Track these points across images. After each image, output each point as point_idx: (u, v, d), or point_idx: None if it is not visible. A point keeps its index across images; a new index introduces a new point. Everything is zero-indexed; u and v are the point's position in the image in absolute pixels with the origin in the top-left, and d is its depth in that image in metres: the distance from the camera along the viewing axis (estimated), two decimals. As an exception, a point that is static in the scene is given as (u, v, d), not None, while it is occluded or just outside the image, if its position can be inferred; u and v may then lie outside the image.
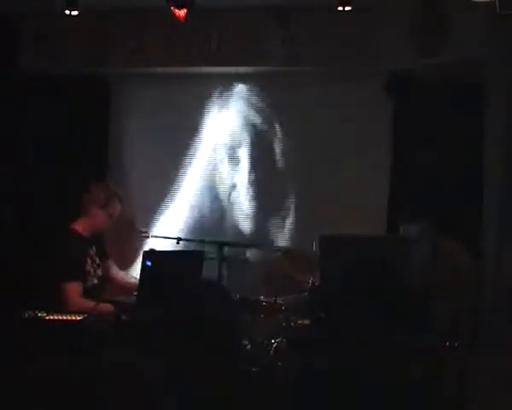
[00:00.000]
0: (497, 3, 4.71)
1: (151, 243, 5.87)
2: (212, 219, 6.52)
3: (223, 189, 6.55)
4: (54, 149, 6.53)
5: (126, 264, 6.09)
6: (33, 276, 5.36)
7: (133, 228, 6.37)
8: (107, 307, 4.70)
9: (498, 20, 5.23)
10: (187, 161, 6.56)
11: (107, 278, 5.27)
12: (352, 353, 2.98)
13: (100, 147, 6.62)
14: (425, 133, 6.01)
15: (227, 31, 6.20)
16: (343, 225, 6.22)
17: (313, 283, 4.77)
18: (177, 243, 5.50)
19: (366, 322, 2.99)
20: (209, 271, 5.00)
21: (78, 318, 4.50)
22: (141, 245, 6.14)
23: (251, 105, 6.52)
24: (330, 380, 2.93)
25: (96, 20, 6.24)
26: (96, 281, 5.11)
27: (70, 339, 4.36)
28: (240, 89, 6.52)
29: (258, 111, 6.51)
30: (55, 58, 6.44)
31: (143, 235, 5.56)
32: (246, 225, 6.42)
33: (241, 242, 5.89)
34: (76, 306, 4.76)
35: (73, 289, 4.86)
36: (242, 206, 6.49)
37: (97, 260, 5.17)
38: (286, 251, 5.19)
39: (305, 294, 4.90)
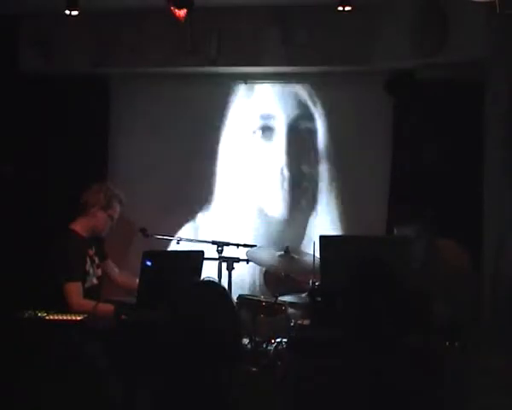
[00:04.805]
0: (497, 3, 4.71)
1: (151, 243, 5.87)
2: (212, 220, 6.54)
3: (222, 188, 6.57)
4: (54, 149, 6.53)
5: (126, 264, 6.10)
6: (33, 276, 5.36)
7: (133, 228, 6.37)
8: (107, 307, 4.70)
9: (498, 20, 5.23)
10: (187, 160, 6.57)
11: (106, 279, 5.27)
12: (352, 353, 2.98)
13: (100, 147, 6.62)
14: (425, 133, 6.01)
15: (227, 31, 6.20)
16: (343, 225, 6.23)
17: (313, 283, 4.77)
18: (177, 243, 5.50)
19: (366, 322, 2.99)
20: (209, 271, 5.00)
21: (78, 318, 4.50)
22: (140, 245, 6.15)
23: (251, 105, 6.52)
24: (330, 380, 2.93)
25: (96, 20, 6.24)
26: (95, 281, 5.11)
27: (70, 339, 4.35)
28: (240, 89, 6.53)
29: (258, 111, 6.51)
30: (55, 58, 6.44)
31: (143, 235, 5.55)
32: (246, 225, 6.43)
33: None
34: (76, 306, 4.77)
35: (73, 289, 4.86)
36: (242, 206, 6.50)
37: (97, 261, 5.17)
38: (286, 251, 5.18)
39: (305, 294, 4.90)
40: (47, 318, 4.48)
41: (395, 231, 5.11)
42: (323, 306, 4.44)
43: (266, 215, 6.46)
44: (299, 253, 5.30)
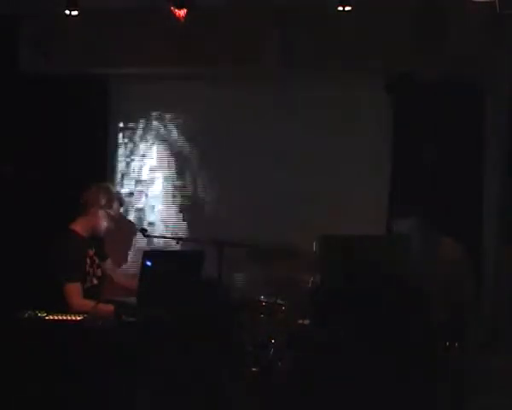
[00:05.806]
0: (497, 3, 4.72)
1: (151, 243, 5.89)
2: (212, 219, 6.54)
3: (223, 188, 6.57)
4: (54, 149, 6.53)
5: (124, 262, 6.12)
6: (33, 276, 5.37)
7: (132, 228, 6.38)
8: (107, 307, 4.70)
9: (498, 20, 5.24)
10: (186, 160, 6.58)
11: (106, 279, 5.27)
12: (352, 352, 2.98)
13: (99, 147, 6.62)
14: (425, 133, 6.02)
15: (227, 31, 6.20)
16: (343, 225, 6.23)
17: (313, 283, 4.77)
18: (177, 242, 5.50)
19: (366, 322, 3.00)
20: (209, 271, 5.00)
21: (78, 318, 4.50)
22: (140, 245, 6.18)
23: (251, 105, 6.53)
24: (330, 380, 2.93)
25: (96, 20, 6.25)
26: (95, 281, 5.11)
27: (70, 339, 4.36)
28: (240, 89, 6.53)
29: (259, 111, 6.52)
30: (55, 58, 6.45)
31: (143, 235, 5.55)
32: (246, 225, 6.42)
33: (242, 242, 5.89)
34: (76, 306, 4.77)
35: (73, 289, 4.86)
36: (242, 205, 6.50)
37: (97, 261, 5.17)
38: (286, 251, 5.18)
39: (305, 294, 4.90)
40: (47, 318, 4.48)
41: (395, 231, 5.11)
42: (323, 306, 4.44)
43: (267, 215, 6.46)
44: (300, 252, 5.30)
